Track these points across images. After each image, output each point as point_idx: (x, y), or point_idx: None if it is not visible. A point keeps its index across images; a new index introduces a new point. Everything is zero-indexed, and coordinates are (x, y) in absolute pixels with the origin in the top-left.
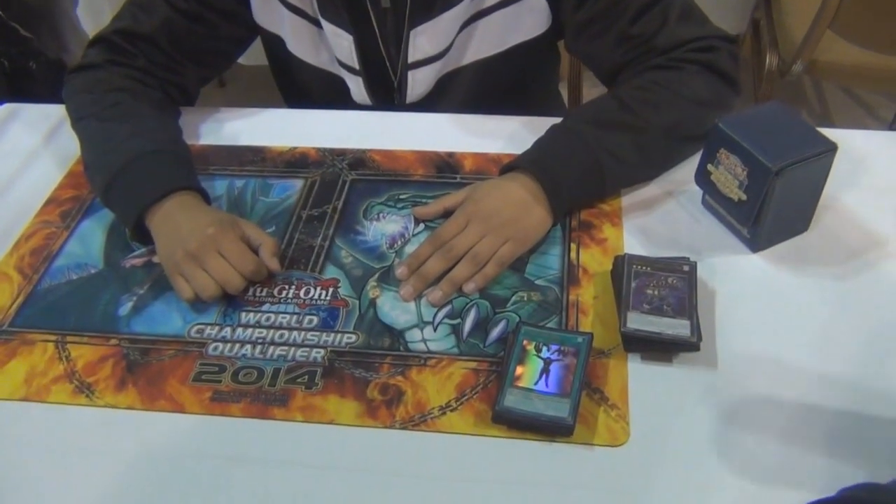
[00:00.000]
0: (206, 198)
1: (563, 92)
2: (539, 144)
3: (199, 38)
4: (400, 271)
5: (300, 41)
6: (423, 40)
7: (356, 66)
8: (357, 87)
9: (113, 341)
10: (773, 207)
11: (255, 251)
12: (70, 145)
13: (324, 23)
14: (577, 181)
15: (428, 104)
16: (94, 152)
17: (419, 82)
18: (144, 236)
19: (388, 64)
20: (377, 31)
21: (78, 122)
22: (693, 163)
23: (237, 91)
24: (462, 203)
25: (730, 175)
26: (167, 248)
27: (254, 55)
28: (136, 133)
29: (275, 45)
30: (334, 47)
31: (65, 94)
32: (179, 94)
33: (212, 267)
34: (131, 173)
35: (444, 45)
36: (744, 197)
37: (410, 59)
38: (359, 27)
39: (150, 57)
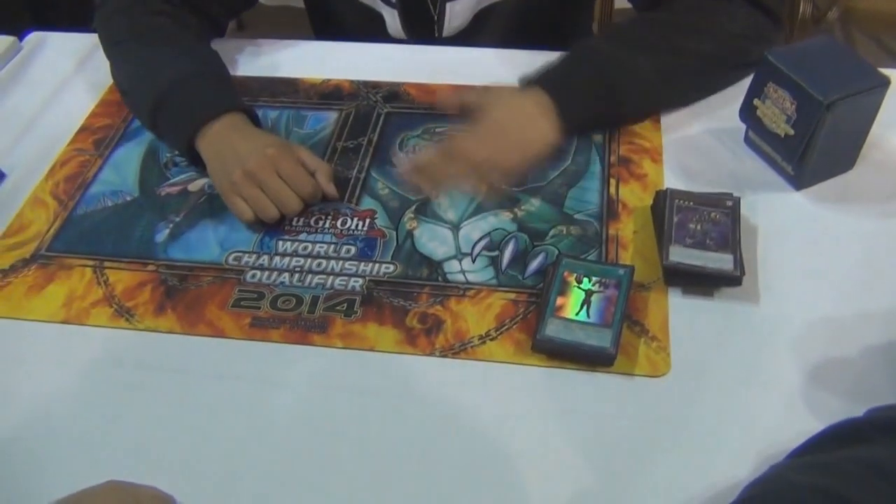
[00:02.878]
0: (255, 120)
1: None
2: (558, 61)
3: None
4: (404, 169)
5: None
6: None
7: None
8: (392, 20)
9: (150, 267)
10: (822, 143)
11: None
12: (101, 73)
13: None
14: (589, 99)
15: (464, 41)
16: (136, 75)
17: (457, 14)
18: (194, 158)
19: None
20: None
21: (116, 45)
22: (734, 98)
23: (256, 34)
24: (478, 115)
25: (777, 109)
26: (223, 168)
27: None
28: (180, 54)
29: None
30: None
31: (98, 20)
32: (210, 24)
33: (271, 187)
34: (179, 94)
35: None
36: (791, 132)
37: None
38: None
39: None
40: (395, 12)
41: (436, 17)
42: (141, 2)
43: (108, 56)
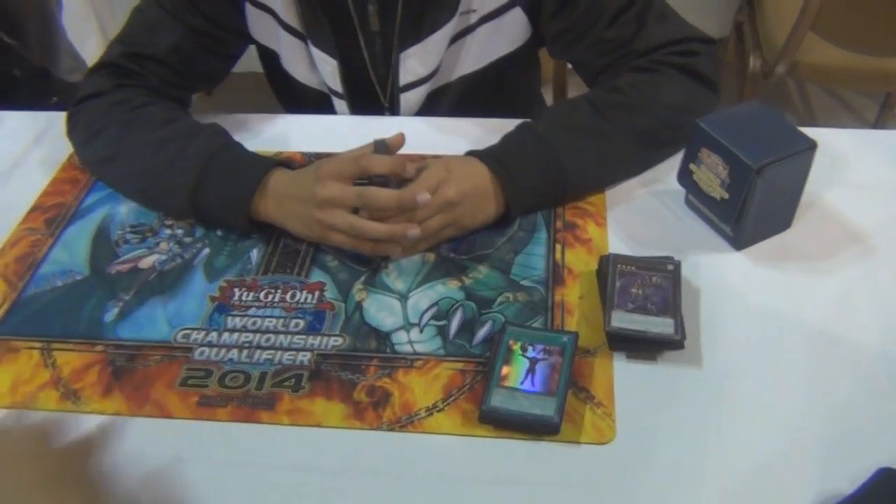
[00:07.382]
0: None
1: (548, 96)
2: (504, 142)
3: (209, 54)
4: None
5: (293, 59)
6: (414, 62)
7: (339, 90)
8: (342, 110)
9: (99, 348)
10: (756, 205)
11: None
12: (55, 152)
13: (311, 47)
14: (536, 183)
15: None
16: (154, 167)
17: (412, 103)
18: (249, 228)
19: (377, 87)
20: (366, 54)
21: (109, 144)
22: (675, 162)
23: (225, 99)
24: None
25: (712, 174)
26: (303, 223)
27: (241, 62)
28: (193, 136)
29: (270, 58)
30: (321, 71)
31: (72, 124)
32: (182, 107)
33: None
34: (215, 173)
35: (433, 65)
36: (726, 195)
37: (402, 82)
38: (346, 51)
39: (162, 76)
40: (344, 103)
41: (387, 105)
42: (123, 99)
43: (97, 159)
